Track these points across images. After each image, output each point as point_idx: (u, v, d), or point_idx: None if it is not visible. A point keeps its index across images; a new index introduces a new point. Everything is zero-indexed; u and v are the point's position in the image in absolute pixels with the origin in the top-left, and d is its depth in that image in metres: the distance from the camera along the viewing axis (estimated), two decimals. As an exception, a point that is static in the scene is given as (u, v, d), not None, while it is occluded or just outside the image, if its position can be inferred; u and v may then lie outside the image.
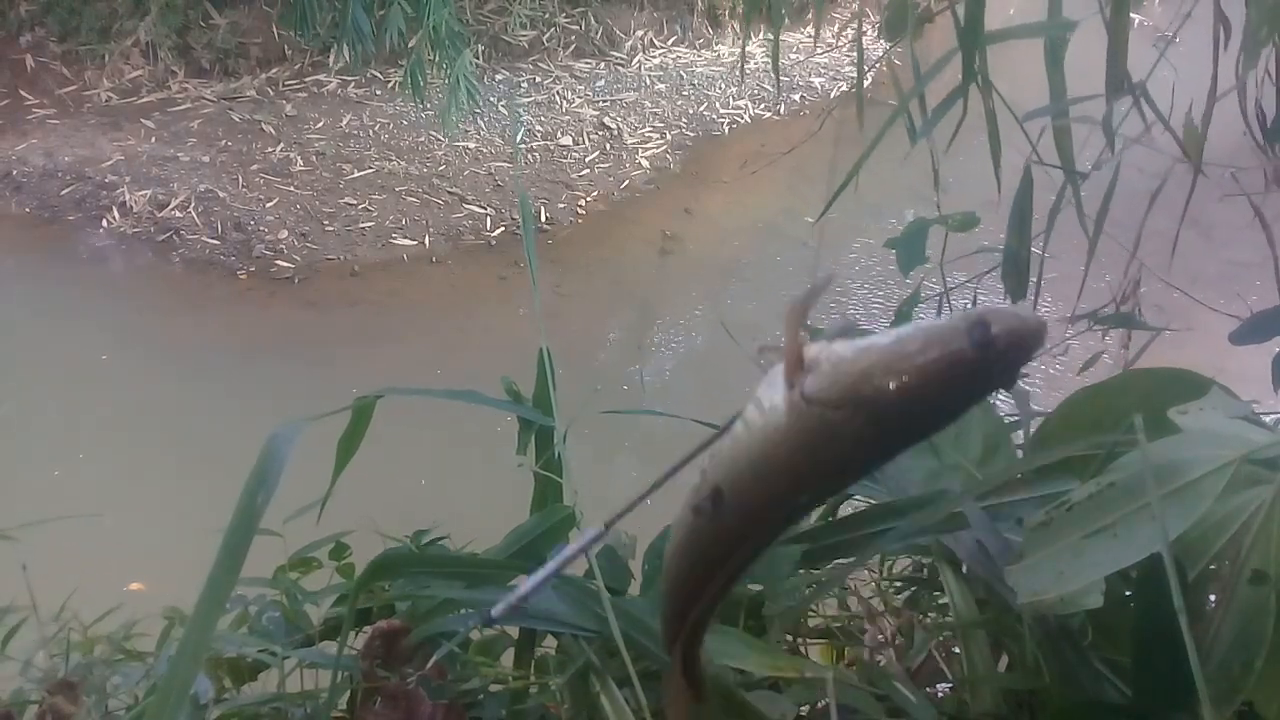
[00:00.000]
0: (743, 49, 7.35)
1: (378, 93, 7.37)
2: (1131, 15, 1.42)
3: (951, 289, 1.72)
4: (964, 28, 1.39)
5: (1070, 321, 1.77)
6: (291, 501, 0.79)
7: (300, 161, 6.68)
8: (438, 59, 6.21)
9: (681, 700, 0.79)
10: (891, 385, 0.59)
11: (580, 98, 7.53)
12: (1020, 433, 1.13)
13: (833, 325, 0.65)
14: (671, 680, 0.78)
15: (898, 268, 1.68)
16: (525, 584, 0.89)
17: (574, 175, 6.77)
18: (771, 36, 7.31)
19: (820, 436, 0.62)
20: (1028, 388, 1.46)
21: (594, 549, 0.91)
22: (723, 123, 7.49)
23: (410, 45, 6.33)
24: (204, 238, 6.03)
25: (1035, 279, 1.66)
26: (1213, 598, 0.76)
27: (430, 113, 6.77)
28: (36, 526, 1.17)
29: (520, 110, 7.13)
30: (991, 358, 0.57)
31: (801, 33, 8.47)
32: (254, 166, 6.61)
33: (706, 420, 1.10)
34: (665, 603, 0.75)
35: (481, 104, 6.96)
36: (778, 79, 7.67)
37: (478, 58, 7.43)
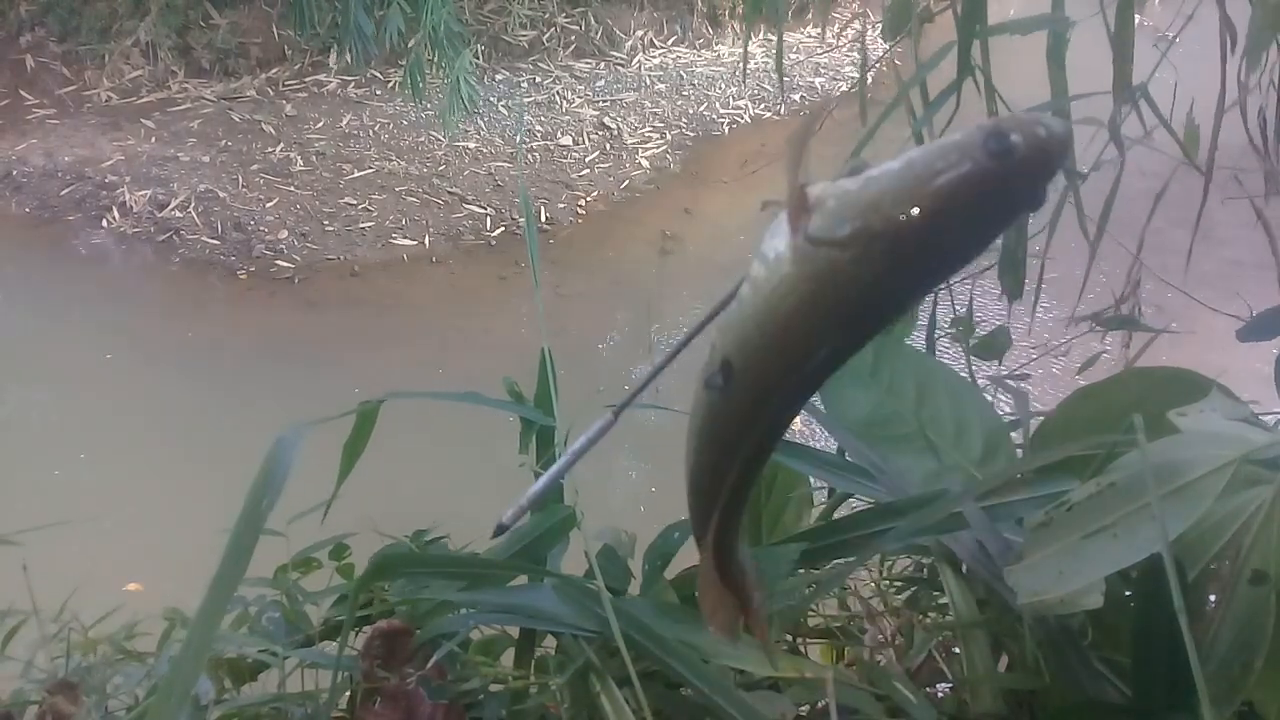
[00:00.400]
0: (744, 49, 7.35)
1: (378, 93, 7.37)
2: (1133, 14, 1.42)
3: (949, 284, 1.72)
4: (962, 20, 1.39)
5: (1073, 322, 1.77)
6: (292, 499, 0.79)
7: (300, 161, 6.68)
8: (437, 59, 6.21)
9: (716, 596, 0.71)
10: (904, 212, 0.52)
11: (580, 98, 7.53)
12: (1020, 433, 1.13)
13: (843, 167, 0.57)
14: (705, 577, 0.70)
15: None
16: (535, 485, 0.83)
17: (574, 175, 6.77)
18: (772, 36, 7.32)
19: (831, 282, 0.54)
20: (1027, 388, 1.45)
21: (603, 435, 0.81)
22: (723, 123, 7.49)
23: (410, 45, 6.33)
24: (204, 238, 6.03)
25: (1036, 282, 1.66)
26: (1213, 598, 0.76)
27: (430, 113, 6.77)
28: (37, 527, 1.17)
29: (522, 110, 7.13)
30: (1012, 169, 0.51)
31: (801, 33, 8.48)
32: (254, 166, 6.61)
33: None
34: (690, 494, 0.68)
35: (481, 104, 6.96)
36: (781, 79, 7.67)
37: (477, 58, 7.44)
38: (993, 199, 0.52)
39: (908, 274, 0.54)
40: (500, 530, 0.87)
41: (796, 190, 0.55)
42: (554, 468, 0.83)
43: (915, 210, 0.52)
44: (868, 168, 0.55)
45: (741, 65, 7.70)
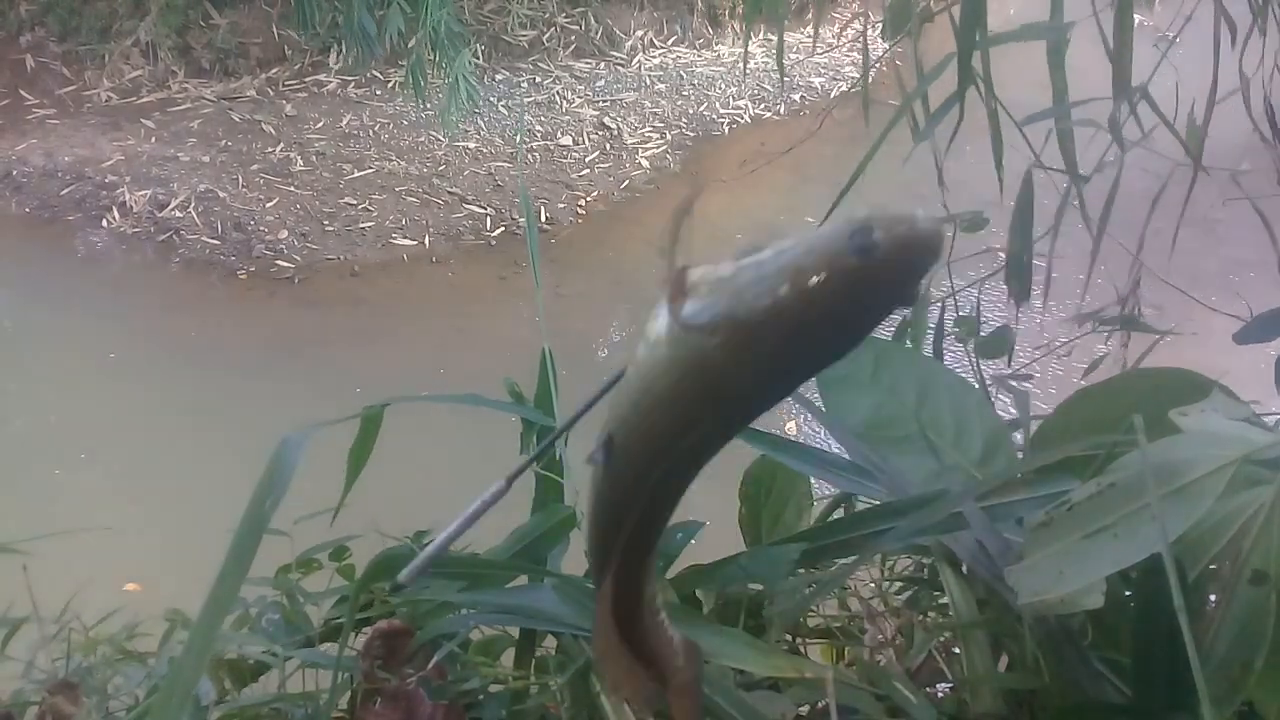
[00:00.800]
0: (745, 49, 7.35)
1: (378, 93, 7.37)
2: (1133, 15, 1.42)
3: (956, 291, 1.72)
4: (961, 31, 1.39)
5: (1077, 322, 1.77)
6: (293, 499, 0.79)
7: (300, 161, 6.68)
8: (437, 59, 6.20)
9: (621, 664, 0.68)
10: (766, 302, 0.52)
11: (580, 98, 7.53)
12: (1020, 433, 1.13)
13: (740, 247, 0.56)
14: (605, 640, 0.68)
15: None
16: (428, 549, 0.83)
17: (574, 175, 6.77)
18: (772, 36, 7.32)
19: (700, 368, 0.54)
20: (1029, 388, 1.46)
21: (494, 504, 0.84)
22: (723, 123, 7.49)
23: (410, 45, 6.33)
24: (204, 238, 6.03)
25: (1042, 285, 1.66)
26: (1213, 598, 0.76)
27: (430, 112, 6.77)
28: (37, 527, 1.17)
29: (522, 110, 7.13)
30: (877, 267, 0.50)
31: (801, 33, 8.48)
32: (254, 166, 6.61)
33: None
34: (589, 560, 0.68)
35: (481, 104, 6.97)
36: (782, 78, 7.67)
37: (477, 58, 7.43)
38: (857, 295, 0.52)
39: (773, 366, 0.54)
40: (397, 588, 0.89)
41: (675, 272, 0.55)
42: (446, 532, 0.83)
43: (776, 300, 0.51)
44: (755, 252, 0.55)
45: (742, 65, 7.70)
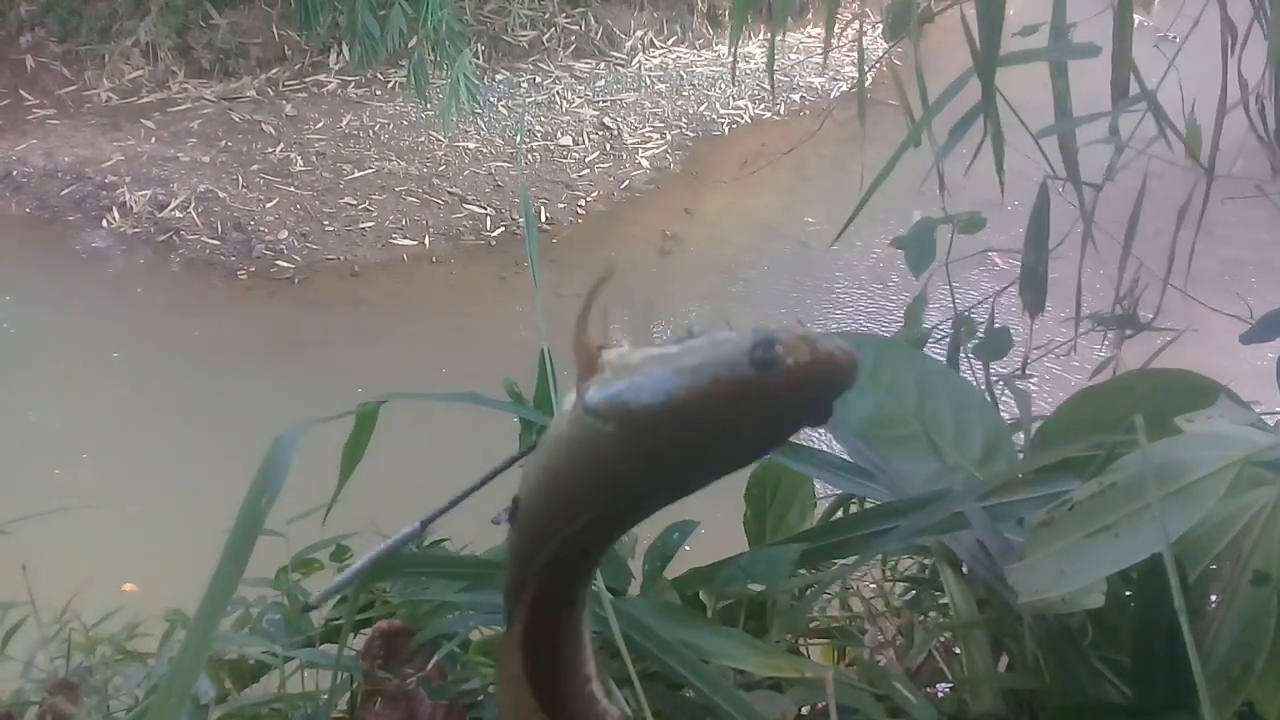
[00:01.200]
0: (734, 50, 7.34)
1: (378, 93, 7.37)
2: (1133, 16, 1.41)
3: (969, 309, 1.72)
4: (981, 50, 1.37)
5: (1093, 326, 1.76)
6: (291, 498, 0.79)
7: (300, 161, 6.68)
8: (438, 59, 6.21)
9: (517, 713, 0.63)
10: (660, 398, 0.50)
11: (580, 98, 7.53)
12: (1021, 433, 1.13)
13: (693, 323, 0.56)
14: (510, 684, 0.63)
15: (907, 267, 1.69)
16: (342, 575, 0.84)
17: (574, 175, 6.77)
18: (771, 37, 7.31)
19: (593, 452, 0.53)
20: (1028, 388, 1.45)
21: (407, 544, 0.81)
22: (723, 123, 7.49)
23: (410, 45, 6.33)
24: (204, 238, 6.03)
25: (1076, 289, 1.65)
26: (1214, 598, 0.76)
27: (430, 112, 6.77)
28: (37, 526, 1.18)
29: (522, 110, 7.13)
30: (776, 383, 0.49)
31: (801, 33, 8.48)
32: (254, 166, 6.61)
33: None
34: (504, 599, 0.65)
35: (482, 104, 6.97)
36: (772, 81, 7.65)
37: (477, 58, 7.44)
38: (752, 408, 0.50)
39: (664, 463, 0.53)
40: (307, 609, 0.89)
41: (586, 349, 0.55)
42: (353, 567, 0.83)
43: (668, 400, 0.50)
44: (686, 337, 0.53)
45: (731, 66, 7.68)
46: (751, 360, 0.49)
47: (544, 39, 7.97)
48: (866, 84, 1.86)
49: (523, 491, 0.59)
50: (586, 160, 6.92)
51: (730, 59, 8.14)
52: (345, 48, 7.41)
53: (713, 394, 0.50)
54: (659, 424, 0.51)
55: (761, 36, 8.19)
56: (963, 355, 1.61)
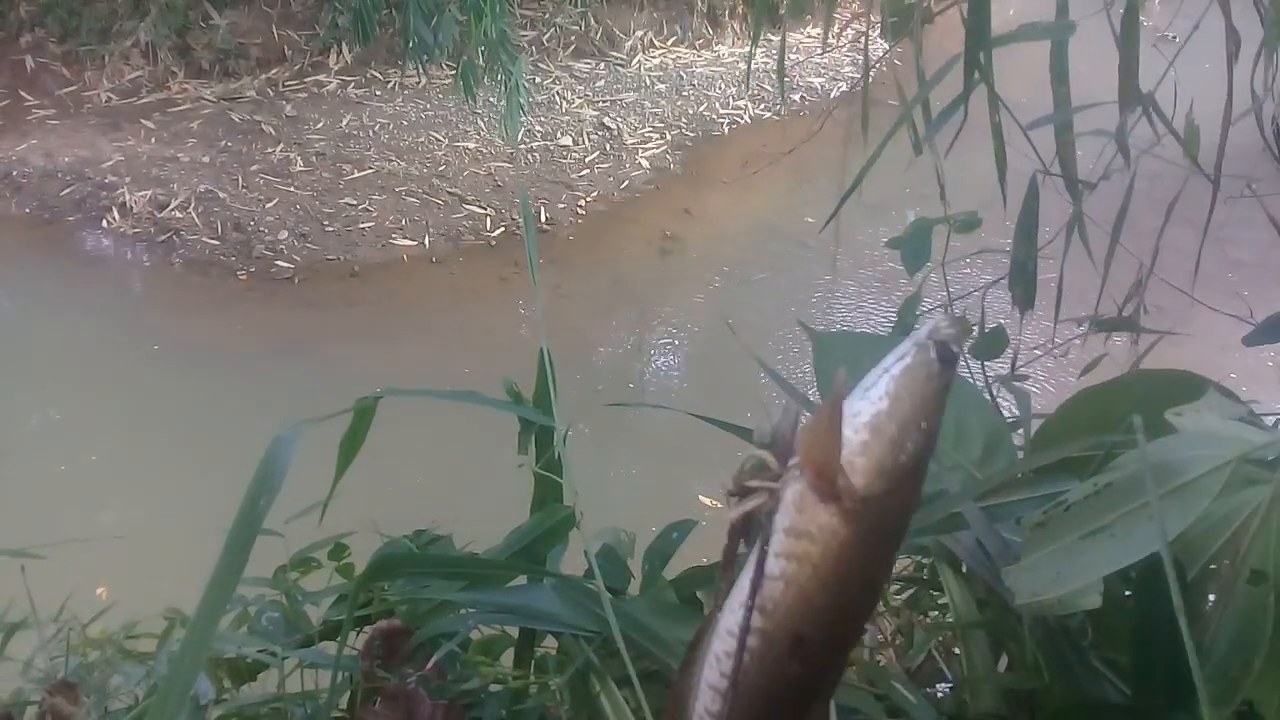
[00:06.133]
0: (752, 50, 7.34)
1: (377, 93, 7.37)
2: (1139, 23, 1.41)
3: (958, 298, 1.72)
4: (968, 33, 1.38)
5: (1090, 328, 1.76)
6: (291, 498, 0.79)
7: (300, 162, 6.68)
8: (490, 66, 6.24)
9: None
10: (918, 439, 0.58)
11: (580, 98, 7.53)
12: (1020, 433, 1.13)
13: (777, 425, 0.62)
14: None
15: (903, 267, 1.69)
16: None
17: (574, 175, 6.77)
18: (771, 37, 7.32)
19: (887, 525, 0.60)
20: (1028, 388, 1.45)
21: None
22: (723, 123, 7.49)
23: (454, 49, 6.33)
24: (204, 238, 6.03)
25: (1056, 291, 1.66)
26: (1211, 597, 0.76)
27: (431, 113, 6.76)
28: (37, 528, 1.17)
29: (522, 111, 7.12)
30: (951, 361, 0.59)
31: (801, 33, 8.48)
32: (254, 167, 6.61)
33: (707, 416, 1.11)
34: None
35: (481, 105, 6.97)
36: (782, 84, 7.66)
37: (477, 58, 7.44)
38: (947, 388, 0.61)
39: (919, 481, 0.61)
40: None
41: (833, 464, 0.58)
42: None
43: (925, 429, 0.59)
44: (799, 413, 0.62)
45: (747, 68, 7.68)
46: (937, 356, 0.59)
47: (544, 39, 7.98)
48: (866, 83, 1.85)
49: (808, 626, 0.60)
50: (586, 160, 6.92)
51: (733, 58, 8.14)
52: (345, 48, 7.42)
53: (938, 398, 0.60)
54: (925, 451, 0.60)
55: (761, 36, 8.19)
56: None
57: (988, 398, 1.36)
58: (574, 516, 1.06)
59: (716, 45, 8.37)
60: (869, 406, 0.59)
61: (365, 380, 4.80)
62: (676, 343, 5.65)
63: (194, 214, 6.17)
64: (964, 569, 1.01)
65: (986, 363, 1.61)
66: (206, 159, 6.65)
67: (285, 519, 1.00)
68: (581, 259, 6.04)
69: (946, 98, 1.47)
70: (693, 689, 0.64)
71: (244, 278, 5.79)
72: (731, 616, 0.61)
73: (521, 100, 6.20)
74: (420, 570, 1.08)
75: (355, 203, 6.37)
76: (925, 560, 1.16)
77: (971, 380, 1.48)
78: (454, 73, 6.20)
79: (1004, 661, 1.00)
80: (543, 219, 6.25)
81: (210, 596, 0.66)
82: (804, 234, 6.09)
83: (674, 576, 1.07)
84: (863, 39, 1.90)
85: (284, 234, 6.07)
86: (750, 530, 0.62)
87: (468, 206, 6.40)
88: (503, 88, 6.06)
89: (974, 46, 1.37)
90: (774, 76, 7.63)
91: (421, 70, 6.53)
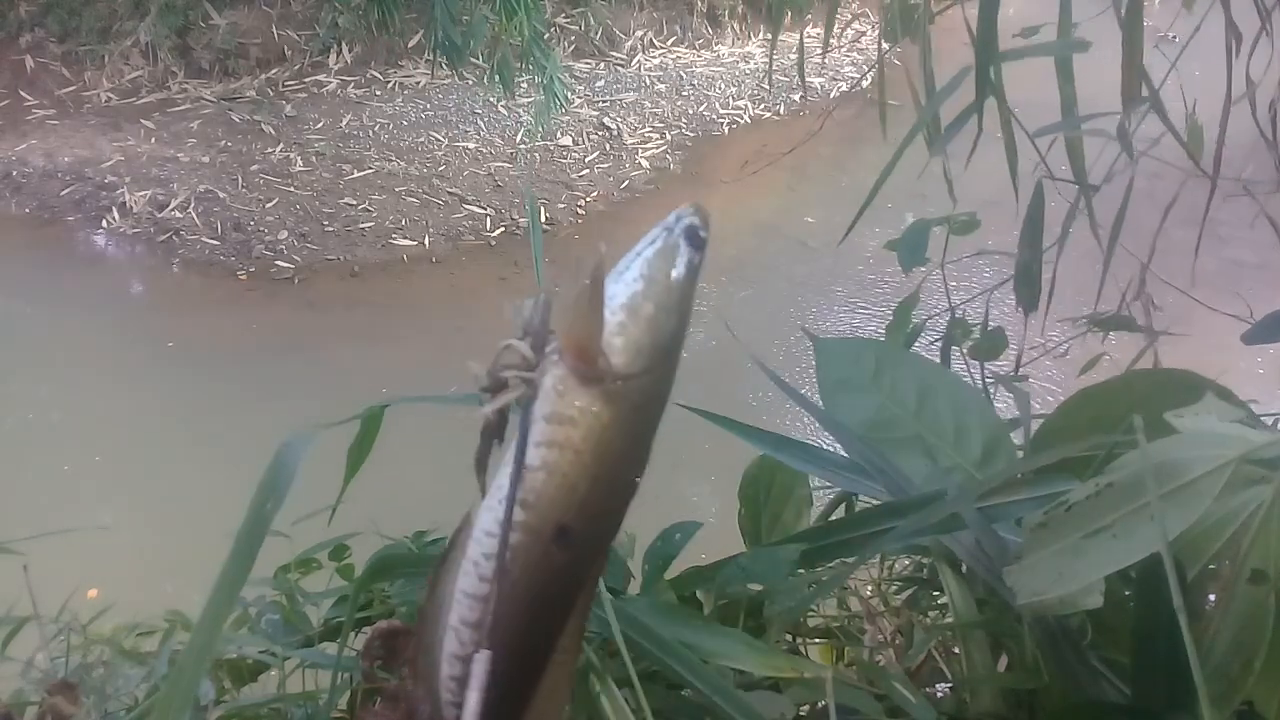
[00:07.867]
0: (772, 50, 7.33)
1: (377, 93, 7.37)
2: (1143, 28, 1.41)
3: (962, 303, 1.72)
4: (978, 46, 1.38)
5: (1090, 327, 1.76)
6: (294, 499, 0.79)
7: (300, 162, 6.68)
8: (525, 64, 6.28)
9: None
10: (672, 319, 0.60)
11: (580, 98, 7.53)
12: (1020, 433, 1.13)
13: (530, 314, 0.60)
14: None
15: (900, 267, 1.69)
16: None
17: (574, 175, 6.78)
18: (782, 38, 7.30)
19: (646, 407, 0.60)
20: (1028, 389, 1.45)
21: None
22: (723, 123, 7.49)
23: (484, 45, 6.35)
24: (204, 238, 6.03)
25: (1049, 289, 1.66)
26: (1212, 597, 0.76)
27: (430, 113, 6.76)
28: (37, 528, 1.17)
29: (522, 111, 7.12)
30: (699, 245, 0.63)
31: (799, 33, 8.46)
32: (254, 167, 6.61)
33: (707, 411, 1.11)
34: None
35: (481, 105, 6.97)
36: (803, 78, 7.62)
37: (477, 58, 7.43)
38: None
39: (674, 364, 0.61)
40: None
41: (594, 338, 0.58)
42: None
43: (683, 296, 0.61)
44: (548, 304, 0.60)
45: (768, 69, 7.63)
46: (687, 243, 0.62)
47: (544, 39, 7.97)
48: (866, 84, 1.85)
49: (571, 513, 0.59)
50: (586, 160, 6.92)
51: (733, 58, 8.13)
52: (345, 48, 7.41)
53: (693, 277, 0.61)
54: (680, 334, 0.60)
55: (761, 36, 8.20)
56: (958, 354, 1.61)
57: (987, 398, 1.36)
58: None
59: (716, 45, 8.36)
60: (624, 289, 0.59)
61: (365, 380, 4.80)
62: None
63: (194, 214, 6.17)
64: (964, 569, 1.01)
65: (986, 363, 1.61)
66: (206, 159, 6.65)
67: (290, 521, 1.01)
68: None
69: (951, 100, 1.47)
70: (444, 603, 0.62)
71: (244, 278, 5.79)
72: (489, 515, 0.60)
73: (557, 94, 6.25)
74: (420, 571, 1.08)
75: (355, 203, 6.37)
76: (925, 560, 1.16)
77: (970, 380, 1.48)
78: (486, 70, 6.26)
79: (1004, 661, 1.00)
80: (543, 219, 6.25)
81: (216, 598, 0.66)
82: (804, 234, 6.09)
83: (674, 576, 1.07)
84: (862, 39, 1.90)
85: (284, 234, 6.07)
86: (502, 427, 0.60)
87: (468, 206, 6.40)
88: (553, 81, 6.12)
89: (984, 62, 1.36)
90: (773, 76, 7.62)
91: (453, 68, 6.55)
